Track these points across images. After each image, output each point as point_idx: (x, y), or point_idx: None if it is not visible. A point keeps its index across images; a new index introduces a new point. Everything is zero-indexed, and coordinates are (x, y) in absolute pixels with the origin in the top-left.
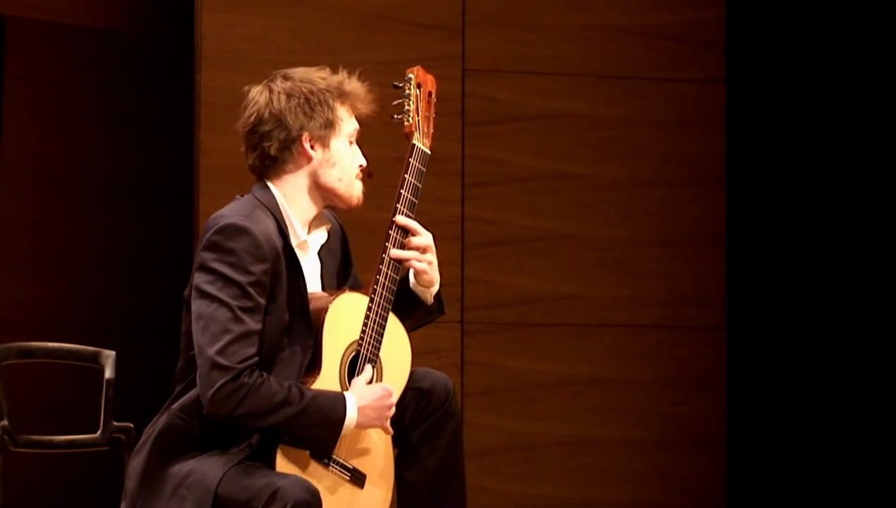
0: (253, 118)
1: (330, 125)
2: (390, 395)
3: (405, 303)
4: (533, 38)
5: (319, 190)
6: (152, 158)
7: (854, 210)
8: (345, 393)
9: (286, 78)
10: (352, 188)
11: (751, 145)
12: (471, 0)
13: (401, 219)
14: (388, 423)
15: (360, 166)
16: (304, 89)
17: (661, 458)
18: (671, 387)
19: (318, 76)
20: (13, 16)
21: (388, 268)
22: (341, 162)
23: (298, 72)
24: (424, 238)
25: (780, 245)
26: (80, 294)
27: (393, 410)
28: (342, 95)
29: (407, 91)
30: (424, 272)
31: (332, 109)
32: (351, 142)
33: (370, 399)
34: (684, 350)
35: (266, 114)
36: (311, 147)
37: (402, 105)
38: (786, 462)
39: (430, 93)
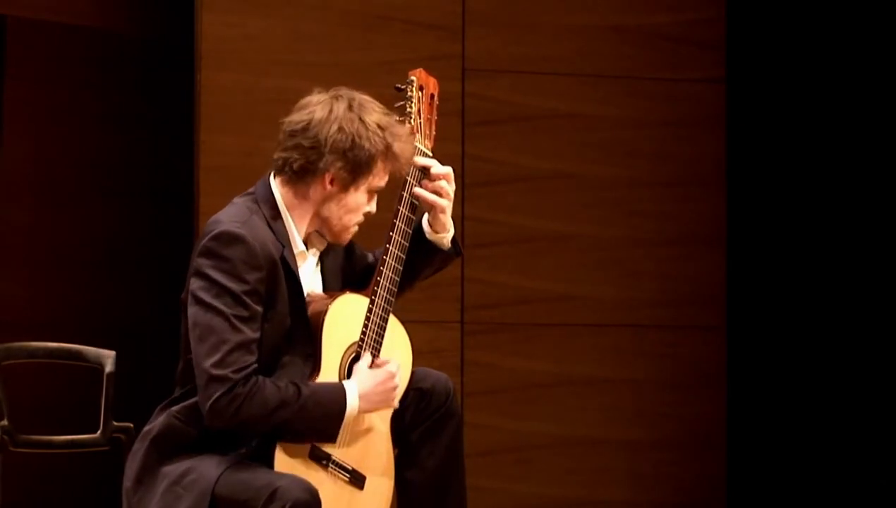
0: (301, 126)
1: (358, 176)
2: (394, 376)
3: (423, 254)
4: (533, 38)
5: (317, 216)
6: (152, 158)
7: (854, 210)
8: (344, 382)
9: (351, 107)
10: (346, 231)
11: (751, 145)
12: (471, 0)
13: (420, 159)
14: (396, 402)
15: (366, 213)
16: (355, 131)
17: (661, 458)
18: (671, 387)
19: (377, 124)
20: (13, 16)
21: (389, 271)
22: (350, 207)
23: (365, 106)
24: (445, 168)
25: (779, 245)
26: (80, 294)
27: (399, 389)
28: (387, 156)
29: (409, 93)
30: (443, 211)
31: (368, 165)
32: (371, 194)
33: (372, 384)
34: (684, 350)
35: (312, 131)
36: (331, 183)
37: (403, 107)
38: (786, 461)
39: (432, 96)
